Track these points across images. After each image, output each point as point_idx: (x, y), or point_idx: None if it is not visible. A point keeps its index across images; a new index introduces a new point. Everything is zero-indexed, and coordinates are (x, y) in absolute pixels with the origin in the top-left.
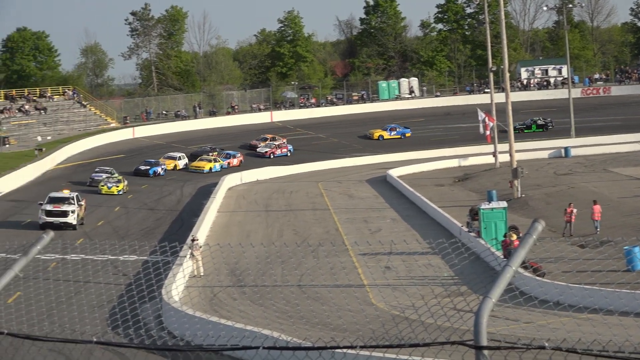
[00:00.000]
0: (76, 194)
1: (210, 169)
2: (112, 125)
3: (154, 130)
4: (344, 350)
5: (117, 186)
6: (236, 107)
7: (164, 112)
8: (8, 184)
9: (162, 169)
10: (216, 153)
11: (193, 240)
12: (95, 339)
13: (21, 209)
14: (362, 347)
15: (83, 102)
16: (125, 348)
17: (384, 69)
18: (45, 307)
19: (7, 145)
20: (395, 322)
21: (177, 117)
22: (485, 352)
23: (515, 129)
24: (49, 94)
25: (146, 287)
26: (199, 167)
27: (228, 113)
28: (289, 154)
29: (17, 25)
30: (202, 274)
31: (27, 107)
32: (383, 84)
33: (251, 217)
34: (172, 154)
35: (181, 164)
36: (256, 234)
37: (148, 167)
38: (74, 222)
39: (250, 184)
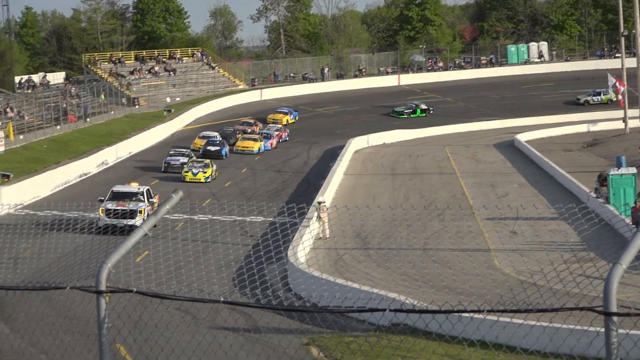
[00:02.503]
0: (147, 188)
1: (259, 148)
2: (240, 87)
3: (282, 92)
4: (471, 314)
5: (205, 172)
6: (364, 70)
7: (291, 74)
8: (138, 144)
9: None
10: (257, 127)
11: (319, 202)
12: (222, 299)
13: (149, 170)
14: (489, 311)
15: (212, 64)
16: (251, 308)
17: (513, 32)
18: (173, 266)
19: (137, 106)
20: (523, 287)
21: (305, 79)
22: (615, 318)
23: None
24: (178, 56)
25: (273, 249)
26: (246, 147)
27: (355, 76)
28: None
29: None
30: (327, 236)
31: (156, 68)
32: (512, 48)
33: (377, 180)
34: (207, 133)
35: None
36: (382, 197)
37: (219, 148)
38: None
39: (376, 147)
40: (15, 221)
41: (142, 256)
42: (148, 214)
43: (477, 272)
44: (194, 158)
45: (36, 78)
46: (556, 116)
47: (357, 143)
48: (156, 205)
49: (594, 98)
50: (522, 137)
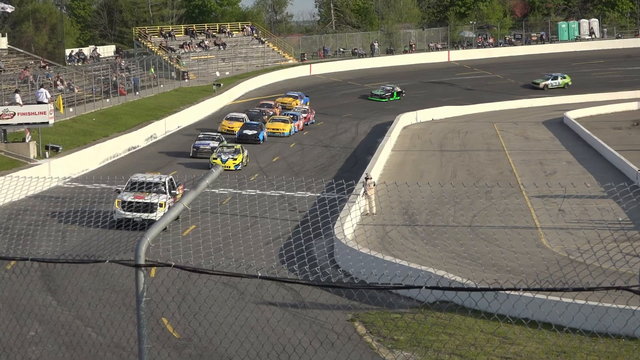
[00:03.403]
0: (169, 177)
1: (290, 130)
2: (289, 62)
3: (331, 67)
4: (507, 291)
5: (235, 159)
6: (414, 45)
7: (341, 49)
8: (187, 117)
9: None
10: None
11: (367, 178)
12: (259, 274)
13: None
14: (525, 290)
15: (261, 39)
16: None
17: (564, 9)
18: (221, 240)
19: (187, 80)
20: (560, 265)
21: (355, 55)
22: None
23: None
24: (228, 30)
25: (321, 224)
26: (277, 129)
27: (405, 52)
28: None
29: None
30: (374, 212)
31: (206, 42)
32: (563, 25)
33: (425, 156)
34: (234, 114)
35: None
36: (429, 174)
37: (256, 132)
38: None
39: (425, 123)
40: (64, 194)
41: (190, 229)
42: (169, 207)
43: (526, 250)
44: (225, 142)
45: (87, 51)
46: (606, 94)
47: (406, 119)
48: (179, 196)
49: (552, 82)
50: (572, 115)
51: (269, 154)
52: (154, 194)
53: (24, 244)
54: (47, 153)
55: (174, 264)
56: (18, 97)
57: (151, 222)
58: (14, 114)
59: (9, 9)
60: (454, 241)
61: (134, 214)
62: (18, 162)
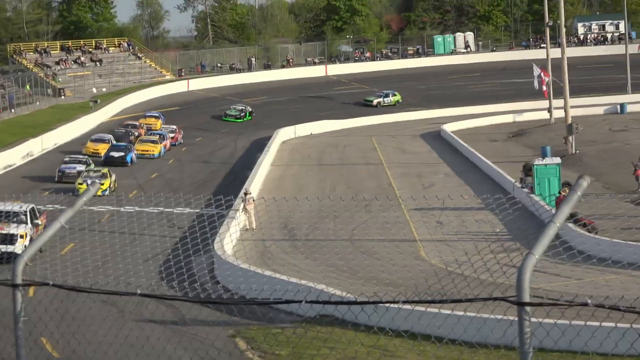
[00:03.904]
0: (31, 206)
1: (160, 152)
2: (167, 77)
3: (209, 83)
4: (398, 304)
5: (102, 184)
6: (291, 60)
7: (219, 64)
8: (63, 135)
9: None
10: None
11: (246, 193)
12: (139, 292)
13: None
14: (404, 302)
15: (138, 54)
16: (178, 301)
17: (439, 23)
18: (100, 258)
19: (63, 97)
20: (438, 277)
21: (232, 70)
22: (528, 308)
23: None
24: (104, 46)
25: (200, 241)
26: (147, 150)
27: (283, 66)
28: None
29: None
30: (254, 227)
31: (82, 58)
32: (439, 39)
33: (304, 170)
34: (100, 135)
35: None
36: (309, 188)
37: (123, 154)
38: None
39: (304, 137)
40: None
41: (68, 247)
42: (31, 238)
43: (405, 262)
44: (92, 166)
45: None
46: (482, 106)
47: (285, 134)
48: (42, 227)
49: (384, 100)
50: (448, 128)
51: (146, 170)
52: (13, 225)
53: None
54: None
55: (52, 282)
56: None
57: (11, 255)
58: None
59: None
60: (333, 255)
61: None
62: None
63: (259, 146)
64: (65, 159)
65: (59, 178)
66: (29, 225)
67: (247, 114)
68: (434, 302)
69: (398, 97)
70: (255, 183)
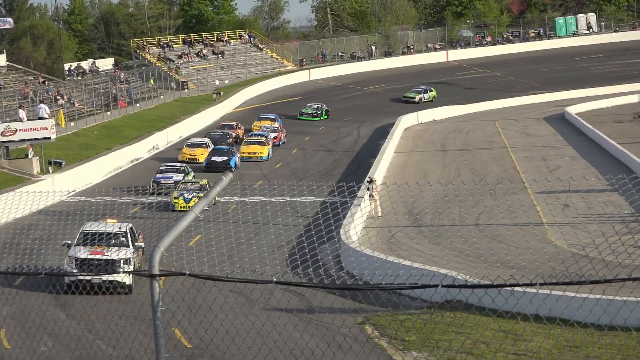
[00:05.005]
0: (130, 225)
1: (268, 154)
2: (288, 67)
3: (330, 72)
4: (523, 287)
5: (199, 196)
6: (412, 47)
7: (339, 53)
8: (188, 127)
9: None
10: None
11: (370, 181)
12: (275, 279)
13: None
14: (541, 284)
15: (259, 46)
16: (305, 288)
17: (560, 5)
18: (225, 248)
19: (186, 90)
20: (575, 259)
21: (353, 58)
22: None
23: None
24: (225, 38)
25: (324, 228)
26: (254, 153)
27: (404, 53)
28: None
29: None
30: (379, 214)
31: (204, 51)
32: (560, 21)
33: (428, 157)
34: (196, 139)
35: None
36: (433, 174)
37: (227, 158)
38: (129, 282)
39: (426, 123)
40: (68, 208)
41: (195, 239)
42: (134, 264)
43: (530, 245)
44: (191, 175)
45: (85, 65)
46: (606, 87)
47: (407, 120)
48: (143, 250)
49: (424, 95)
50: (573, 110)
51: (271, 160)
52: (114, 248)
53: (29, 259)
54: (50, 168)
55: (188, 272)
56: (22, 113)
57: (115, 286)
58: (16, 130)
59: (8, 25)
60: (458, 240)
61: (92, 274)
62: (22, 179)
63: (382, 133)
64: (161, 168)
65: (153, 190)
66: (131, 248)
67: (324, 112)
68: (571, 284)
69: (434, 93)
70: (380, 170)
